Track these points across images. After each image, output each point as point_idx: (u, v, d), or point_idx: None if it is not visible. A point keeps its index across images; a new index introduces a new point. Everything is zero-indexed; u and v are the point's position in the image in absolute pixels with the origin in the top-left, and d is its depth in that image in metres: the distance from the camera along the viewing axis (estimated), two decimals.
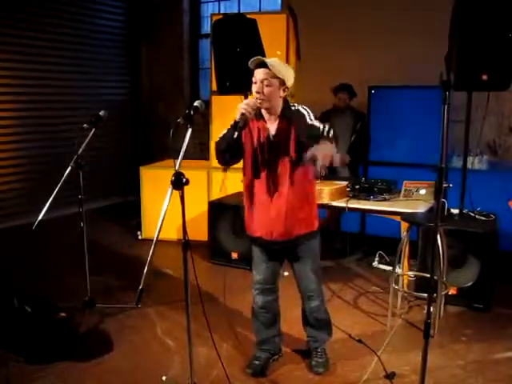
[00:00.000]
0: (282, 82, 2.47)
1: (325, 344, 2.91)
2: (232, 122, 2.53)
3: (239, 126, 2.41)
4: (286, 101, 2.55)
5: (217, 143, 2.59)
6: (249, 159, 2.58)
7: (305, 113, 2.51)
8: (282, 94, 2.50)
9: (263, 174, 2.55)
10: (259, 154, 2.55)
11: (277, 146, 2.52)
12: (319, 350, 2.87)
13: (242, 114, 2.41)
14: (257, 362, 2.81)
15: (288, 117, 2.51)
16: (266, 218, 2.59)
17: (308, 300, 2.78)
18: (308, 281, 2.73)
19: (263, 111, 2.54)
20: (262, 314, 2.81)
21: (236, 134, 2.40)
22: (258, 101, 2.46)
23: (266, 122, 2.56)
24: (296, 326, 3.09)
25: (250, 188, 2.62)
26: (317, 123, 2.45)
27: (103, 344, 3.11)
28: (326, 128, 2.39)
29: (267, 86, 2.44)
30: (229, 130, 2.54)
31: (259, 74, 2.45)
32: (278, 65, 2.45)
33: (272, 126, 2.54)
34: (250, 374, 2.77)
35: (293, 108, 2.55)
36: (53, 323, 3.02)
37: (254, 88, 2.47)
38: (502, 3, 3.38)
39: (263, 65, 2.44)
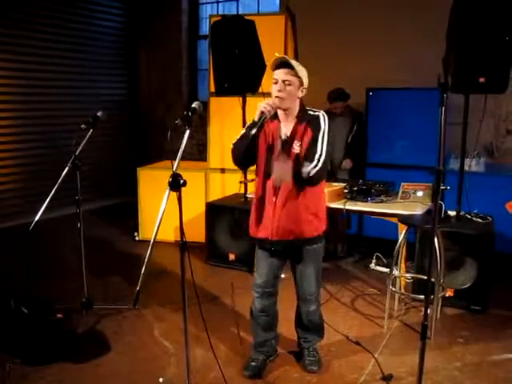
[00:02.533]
0: (301, 83, 2.50)
1: (316, 344, 2.93)
2: (249, 122, 2.55)
3: (259, 124, 2.41)
4: (302, 103, 2.58)
5: (234, 144, 2.59)
6: (262, 160, 2.58)
7: (322, 126, 2.51)
8: (300, 94, 2.53)
9: (272, 175, 2.54)
10: (271, 154, 2.55)
11: (289, 147, 2.52)
12: (311, 350, 2.89)
13: (262, 113, 2.41)
14: (254, 364, 2.81)
15: (307, 121, 2.53)
16: (272, 218, 2.58)
17: (306, 303, 2.79)
18: (309, 284, 2.74)
19: (279, 112, 2.55)
20: (261, 317, 2.81)
21: (255, 131, 2.39)
22: (278, 101, 2.46)
23: (279, 122, 2.58)
24: (292, 328, 3.10)
25: (260, 188, 2.62)
26: (319, 146, 2.46)
27: (100, 345, 3.11)
28: (316, 165, 2.42)
29: (288, 85, 2.46)
30: (245, 131, 2.54)
31: (281, 73, 2.46)
32: (297, 65, 2.48)
33: (287, 127, 2.56)
34: (247, 376, 2.77)
35: (312, 113, 2.57)
36: (50, 324, 3.00)
37: (275, 87, 2.47)
38: (500, 6, 3.40)
39: (283, 65, 2.46)
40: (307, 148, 2.49)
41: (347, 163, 4.88)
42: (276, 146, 2.55)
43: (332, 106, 4.81)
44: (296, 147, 2.51)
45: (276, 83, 2.48)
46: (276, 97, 2.48)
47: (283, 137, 2.55)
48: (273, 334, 2.90)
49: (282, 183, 2.48)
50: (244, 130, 2.57)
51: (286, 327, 3.09)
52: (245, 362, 2.88)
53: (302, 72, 2.50)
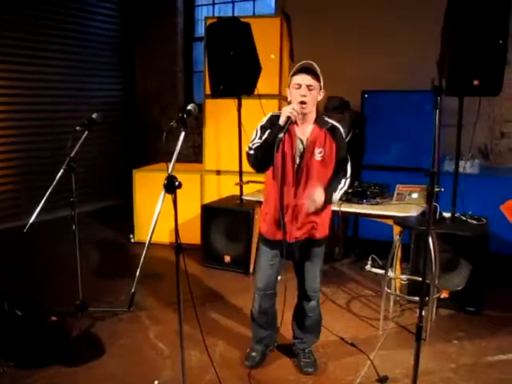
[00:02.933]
0: (321, 86, 2.54)
1: (311, 346, 2.96)
2: (261, 125, 2.59)
3: (285, 128, 2.43)
4: (317, 108, 2.62)
5: (255, 149, 2.53)
6: (279, 164, 2.56)
7: (344, 142, 2.64)
8: (319, 98, 2.57)
9: (291, 180, 2.59)
10: (288, 159, 2.57)
11: (310, 152, 2.56)
12: (306, 352, 2.92)
13: (288, 118, 2.44)
14: (254, 354, 2.91)
15: (328, 129, 2.58)
16: (292, 220, 2.65)
17: (308, 300, 2.85)
18: (314, 281, 2.82)
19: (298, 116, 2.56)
20: (262, 318, 2.89)
21: (282, 135, 2.42)
22: (303, 105, 2.48)
23: (297, 126, 2.59)
24: (288, 329, 3.11)
25: (277, 192, 2.60)
26: (348, 168, 2.64)
27: (95, 348, 3.10)
28: (345, 184, 2.62)
29: (311, 90, 2.49)
30: (268, 135, 2.50)
31: (306, 79, 2.48)
32: (318, 69, 2.52)
33: (303, 132, 2.58)
34: (248, 367, 2.86)
35: (327, 119, 2.63)
36: (44, 327, 2.99)
37: (299, 92, 2.48)
38: (493, 9, 3.42)
39: (306, 70, 2.49)
40: (336, 168, 2.62)
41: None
42: (295, 151, 2.57)
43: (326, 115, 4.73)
44: (318, 155, 2.55)
45: (299, 88, 2.48)
46: (301, 102, 2.49)
47: (302, 147, 2.57)
48: (273, 331, 2.99)
49: (314, 207, 2.54)
50: (266, 135, 2.51)
51: (284, 327, 3.10)
52: (240, 363, 2.91)
53: (321, 76, 2.54)
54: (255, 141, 2.56)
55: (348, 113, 4.80)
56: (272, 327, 2.97)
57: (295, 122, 2.54)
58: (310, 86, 2.47)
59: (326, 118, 2.63)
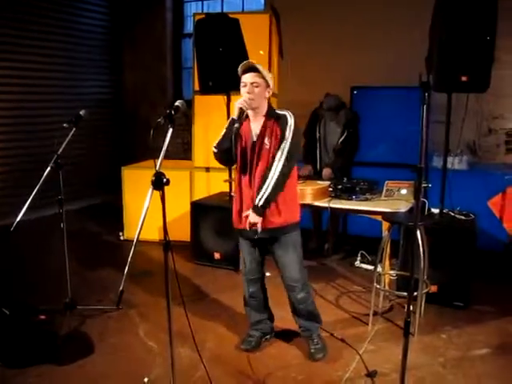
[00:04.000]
0: (267, 84, 2.76)
1: (317, 331, 3.05)
2: (230, 119, 2.80)
3: (241, 118, 2.68)
4: (269, 102, 2.82)
5: (218, 144, 2.81)
6: (238, 156, 2.83)
7: (287, 131, 2.72)
8: (267, 94, 2.77)
9: (248, 170, 2.80)
10: (245, 151, 2.81)
11: (260, 143, 2.77)
12: (314, 338, 3.01)
13: (240, 109, 2.68)
14: (250, 339, 3.05)
15: (274, 117, 2.77)
16: (249, 210, 2.78)
17: (292, 291, 2.92)
18: (291, 271, 2.88)
19: (250, 112, 2.78)
20: (252, 301, 3.05)
21: (237, 125, 2.67)
22: (250, 99, 2.70)
23: (249, 121, 2.82)
24: (279, 322, 3.19)
25: (239, 183, 2.87)
26: (278, 157, 2.71)
27: (84, 346, 3.08)
28: (272, 177, 2.71)
29: (256, 86, 2.72)
30: (227, 129, 2.79)
31: (249, 77, 2.72)
32: (262, 68, 2.75)
33: (256, 125, 2.80)
34: (243, 350, 3.00)
35: (280, 112, 2.80)
36: (32, 326, 2.97)
37: (245, 90, 2.73)
38: (481, 6, 3.43)
39: (250, 69, 2.72)
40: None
41: (327, 173, 4.63)
42: (248, 144, 2.80)
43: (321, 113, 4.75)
44: (267, 143, 2.76)
45: (245, 86, 2.73)
46: (247, 98, 2.71)
47: (254, 138, 2.78)
48: (266, 315, 3.12)
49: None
50: (224, 130, 2.81)
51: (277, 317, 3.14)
52: (230, 359, 2.92)
53: (267, 74, 2.75)
54: (218, 138, 2.83)
55: (343, 112, 4.66)
56: (264, 311, 3.10)
57: (247, 118, 2.78)
58: (254, 83, 2.71)
59: (277, 111, 2.80)
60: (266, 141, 2.75)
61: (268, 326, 3.13)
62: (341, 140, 4.66)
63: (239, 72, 2.75)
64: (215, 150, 2.82)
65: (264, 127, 2.76)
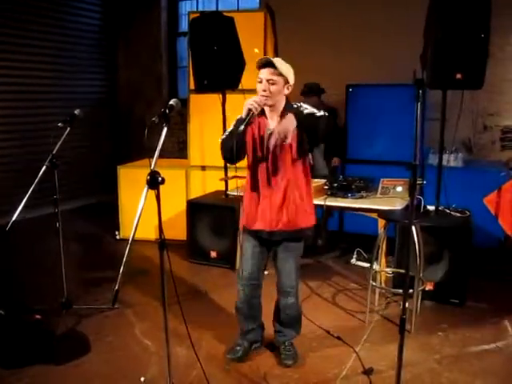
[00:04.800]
0: (286, 81, 2.60)
1: (292, 339, 2.97)
2: (238, 117, 2.63)
3: (247, 121, 2.50)
4: (287, 99, 2.67)
5: (223, 140, 2.67)
6: (250, 154, 2.71)
7: (306, 106, 2.61)
8: (285, 91, 2.63)
9: (264, 168, 2.67)
10: (260, 149, 2.68)
11: (276, 141, 2.60)
12: (287, 344, 2.93)
13: (249, 110, 2.51)
14: (238, 348, 2.92)
15: (292, 113, 2.59)
16: (268, 210, 2.69)
17: (285, 296, 2.84)
18: (290, 277, 2.81)
19: (266, 108, 2.66)
20: (246, 309, 2.89)
21: (242, 127, 2.48)
22: (264, 98, 2.56)
23: (266, 118, 2.69)
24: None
25: (252, 182, 2.72)
26: (315, 110, 2.54)
27: (80, 346, 3.07)
28: (321, 113, 2.54)
29: (272, 84, 2.56)
30: (234, 127, 2.62)
31: (264, 73, 2.57)
32: (281, 64, 2.58)
33: (273, 123, 2.66)
34: (229, 359, 2.87)
35: (295, 106, 2.65)
36: (28, 325, 2.96)
37: (260, 87, 2.58)
38: (475, 4, 3.44)
39: (267, 64, 2.56)
40: (299, 118, 2.52)
41: (336, 161, 5.06)
42: (264, 142, 2.66)
43: (306, 101, 4.83)
44: (286, 141, 2.57)
45: (261, 82, 2.58)
46: (261, 95, 2.57)
47: (270, 130, 2.63)
48: (257, 324, 2.98)
49: (284, 135, 2.49)
50: (232, 127, 2.65)
51: (268, 322, 3.10)
52: (226, 358, 2.90)
53: (286, 70, 2.59)
54: (225, 132, 2.69)
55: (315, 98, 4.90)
56: (256, 321, 2.96)
57: (263, 115, 2.66)
58: (270, 80, 2.55)
59: (294, 104, 2.66)
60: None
61: (258, 334, 3.01)
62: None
63: (256, 66, 2.60)
64: (221, 145, 2.68)
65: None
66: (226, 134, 2.68)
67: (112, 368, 2.86)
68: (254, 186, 2.72)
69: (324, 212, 4.64)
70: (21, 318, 2.99)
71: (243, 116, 2.52)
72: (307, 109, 2.57)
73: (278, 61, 2.57)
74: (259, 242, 2.78)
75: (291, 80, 2.62)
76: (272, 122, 2.67)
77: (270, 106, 2.63)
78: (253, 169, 2.71)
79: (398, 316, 2.52)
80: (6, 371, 2.77)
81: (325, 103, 4.99)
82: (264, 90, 2.56)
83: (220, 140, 2.69)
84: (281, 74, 2.56)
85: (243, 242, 2.84)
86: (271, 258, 2.87)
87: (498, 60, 4.82)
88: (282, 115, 2.60)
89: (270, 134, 2.62)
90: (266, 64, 2.56)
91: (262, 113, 2.67)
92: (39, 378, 2.74)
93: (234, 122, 2.68)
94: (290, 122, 2.47)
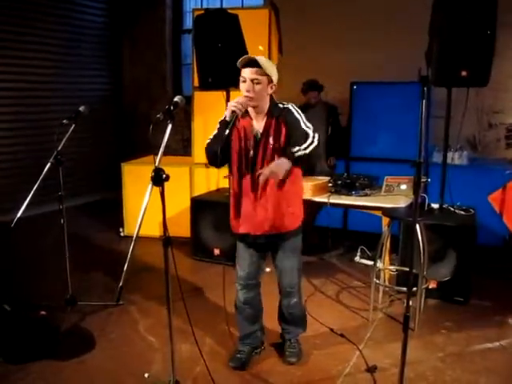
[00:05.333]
0: (270, 80, 2.51)
1: (298, 336, 2.96)
2: (220, 120, 2.59)
3: (230, 123, 2.43)
4: (272, 98, 2.59)
5: (208, 145, 2.61)
6: (235, 156, 2.61)
7: (298, 116, 2.54)
8: (269, 91, 2.54)
9: (250, 171, 2.58)
10: (246, 151, 2.59)
11: (264, 143, 2.55)
12: (292, 341, 2.93)
13: (233, 112, 2.45)
14: (239, 356, 2.85)
15: (277, 115, 2.55)
16: (253, 213, 2.63)
17: (287, 296, 2.82)
18: (291, 277, 2.78)
19: (250, 109, 2.58)
20: (246, 310, 2.84)
21: (227, 131, 2.42)
22: (247, 99, 2.48)
23: (251, 119, 2.60)
24: (276, 320, 3.12)
25: (236, 185, 2.65)
26: (310, 132, 2.48)
27: (85, 342, 3.09)
28: (312, 142, 2.45)
29: (257, 83, 2.47)
30: (218, 130, 2.56)
31: (248, 72, 2.47)
32: (265, 62, 2.48)
33: (259, 124, 2.58)
34: (232, 368, 2.80)
35: (281, 106, 2.58)
36: (33, 322, 2.97)
37: (244, 86, 2.49)
38: (481, 0, 3.42)
39: (251, 63, 2.46)
40: (292, 135, 2.49)
41: (332, 160, 5.01)
42: (250, 143, 2.58)
43: (307, 97, 4.89)
44: (272, 143, 2.54)
45: (244, 82, 2.49)
46: (245, 96, 2.49)
47: (257, 134, 2.56)
48: (258, 326, 2.93)
49: (271, 178, 2.46)
50: (216, 131, 2.59)
51: (271, 320, 3.11)
52: (230, 355, 2.90)
53: (271, 69, 2.50)
54: (210, 137, 2.61)
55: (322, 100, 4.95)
56: (256, 322, 2.91)
57: (247, 115, 2.58)
58: (255, 79, 2.46)
59: (280, 105, 2.58)
60: (271, 140, 2.53)
61: (259, 338, 2.94)
62: (330, 128, 5.01)
63: (238, 65, 2.49)
64: (205, 147, 2.63)
65: (268, 126, 2.54)
66: (211, 138, 2.61)
67: (116, 364, 2.87)
68: (239, 190, 2.64)
69: (308, 207, 4.66)
70: (26, 314, 3.00)
71: (227, 118, 2.47)
72: (295, 146, 2.43)
73: (261, 59, 2.47)
74: (248, 243, 2.73)
75: (275, 79, 2.53)
76: (257, 124, 2.58)
77: (255, 107, 2.54)
78: (238, 173, 2.62)
79: (401, 314, 2.52)
80: (12, 367, 2.79)
81: (325, 101, 4.99)
82: (248, 91, 2.47)
83: (205, 146, 2.62)
84: (265, 73, 2.47)
85: (237, 242, 2.80)
86: (270, 257, 2.84)
87: (504, 57, 4.79)
88: (269, 115, 2.55)
89: (258, 137, 2.55)
90: (250, 63, 2.46)
91: (247, 113, 2.58)
92: (44, 374, 2.75)
93: (217, 126, 2.61)
94: (283, 166, 2.40)
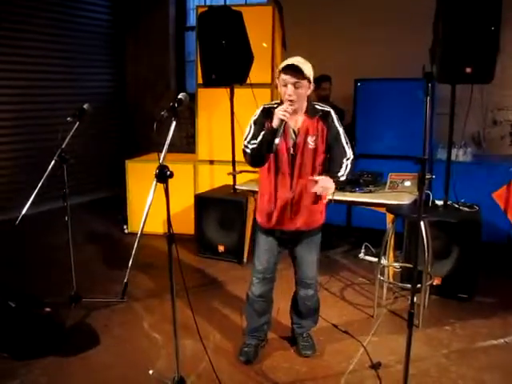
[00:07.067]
0: (309, 81, 2.53)
1: (310, 330, 3.01)
2: (255, 120, 2.61)
3: (279, 131, 2.43)
4: (309, 99, 2.62)
5: (253, 152, 2.54)
6: (273, 159, 2.62)
7: (339, 127, 2.61)
8: (308, 92, 2.57)
9: (286, 169, 2.62)
10: (285, 149, 2.60)
11: (303, 141, 2.58)
12: (305, 335, 2.98)
13: (282, 120, 2.44)
14: (247, 349, 2.89)
15: (316, 115, 2.59)
16: (288, 210, 2.67)
17: (305, 288, 2.86)
18: (311, 269, 2.84)
19: None
20: (259, 303, 2.88)
21: (278, 140, 2.42)
22: (290, 103, 2.48)
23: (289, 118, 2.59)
24: (284, 316, 3.16)
25: (273, 182, 2.67)
26: (348, 151, 2.61)
27: (89, 338, 3.10)
28: (351, 163, 2.61)
29: (298, 88, 2.49)
30: (264, 136, 2.50)
31: (289, 77, 2.47)
32: (304, 65, 2.49)
33: (297, 122, 2.61)
34: (243, 362, 2.84)
35: (319, 107, 2.63)
36: (38, 318, 2.99)
37: (286, 90, 2.49)
38: None
39: (292, 67, 2.46)
40: (332, 146, 2.61)
41: None
42: (289, 141, 2.59)
43: (321, 89, 4.91)
44: (311, 143, 2.58)
45: (285, 86, 2.49)
46: (288, 100, 2.49)
47: (294, 137, 2.59)
48: (266, 319, 2.97)
49: (320, 193, 2.57)
50: (261, 137, 2.51)
51: (279, 315, 3.13)
52: (234, 351, 2.92)
53: (309, 71, 2.51)
54: (251, 140, 2.56)
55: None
56: (266, 316, 2.95)
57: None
58: (296, 83, 2.47)
59: (317, 106, 2.64)
60: (310, 140, 2.56)
61: (264, 332, 3.00)
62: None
63: (279, 69, 2.49)
64: (247, 151, 2.56)
65: (305, 126, 2.57)
66: (255, 145, 2.53)
67: (120, 360, 2.89)
68: (272, 187, 2.67)
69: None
70: (31, 310, 3.02)
71: (275, 126, 2.44)
72: (339, 168, 2.58)
73: (299, 62, 2.47)
74: (273, 239, 2.78)
75: (312, 79, 2.54)
76: (295, 122, 2.60)
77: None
78: (273, 170, 2.64)
79: (405, 311, 2.52)
80: (18, 363, 2.81)
81: (333, 103, 4.94)
82: (290, 95, 2.47)
83: (245, 146, 2.58)
84: (304, 77, 2.48)
85: (258, 235, 2.84)
86: (287, 252, 2.87)
87: (509, 54, 4.77)
88: (307, 115, 2.59)
89: (296, 136, 2.60)
90: (292, 67, 2.46)
91: None
92: (49, 370, 2.77)
93: (252, 127, 2.61)
94: (331, 186, 2.49)
